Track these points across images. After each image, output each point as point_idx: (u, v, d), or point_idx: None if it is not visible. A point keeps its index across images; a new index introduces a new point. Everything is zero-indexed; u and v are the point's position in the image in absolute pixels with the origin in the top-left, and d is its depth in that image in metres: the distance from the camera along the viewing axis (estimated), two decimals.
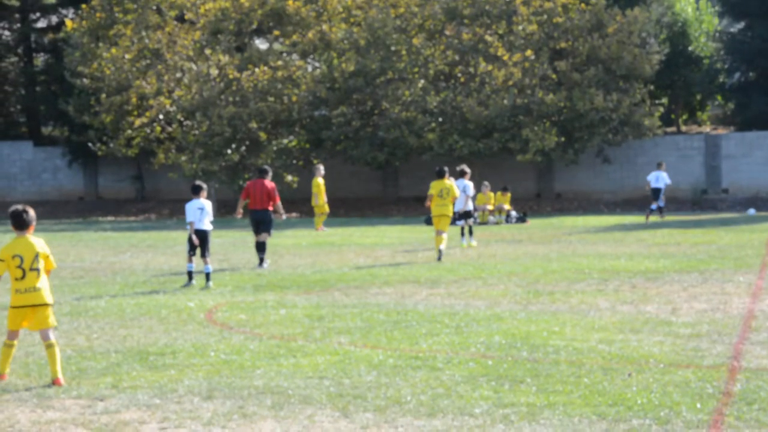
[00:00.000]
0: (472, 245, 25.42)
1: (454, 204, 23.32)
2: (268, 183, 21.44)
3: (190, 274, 17.88)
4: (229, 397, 8.90)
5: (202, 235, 17.96)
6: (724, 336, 11.43)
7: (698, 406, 8.18)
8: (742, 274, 17.65)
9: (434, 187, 22.96)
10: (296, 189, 45.05)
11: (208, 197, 44.99)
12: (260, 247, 21.06)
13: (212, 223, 18.36)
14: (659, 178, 35.78)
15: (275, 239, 29.16)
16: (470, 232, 25.97)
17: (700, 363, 9.94)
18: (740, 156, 44.72)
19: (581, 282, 17.01)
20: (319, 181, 33.93)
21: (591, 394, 8.67)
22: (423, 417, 8.06)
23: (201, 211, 18.05)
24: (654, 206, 35.56)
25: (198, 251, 17.93)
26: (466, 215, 26.07)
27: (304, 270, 20.11)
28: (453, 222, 24.23)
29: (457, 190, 23.30)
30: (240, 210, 22.26)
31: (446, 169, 23.29)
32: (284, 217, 21.87)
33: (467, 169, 26.61)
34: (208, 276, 17.65)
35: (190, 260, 17.97)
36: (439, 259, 21.76)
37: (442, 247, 22.13)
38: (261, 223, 21.26)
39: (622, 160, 46.07)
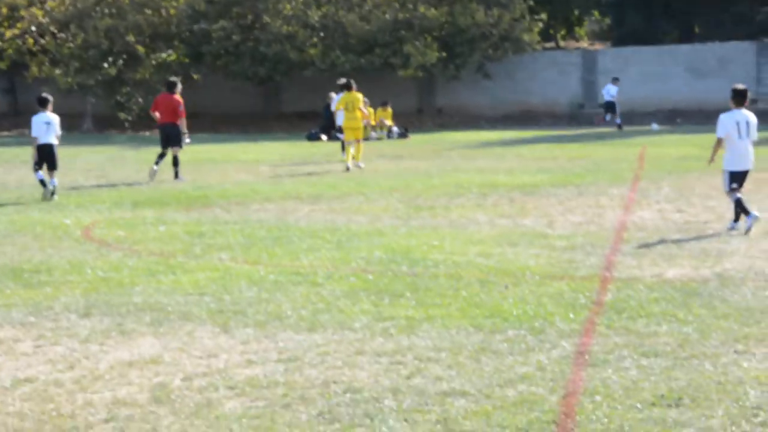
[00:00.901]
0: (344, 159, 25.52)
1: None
2: (176, 98, 21.52)
3: (42, 181, 18.02)
4: (107, 314, 8.81)
5: (48, 150, 18.11)
6: (598, 248, 11.74)
7: (571, 316, 8.41)
8: (615, 188, 18.10)
9: (342, 100, 23.97)
10: None
11: (84, 112, 43.90)
12: (174, 162, 21.28)
13: (61, 138, 18.44)
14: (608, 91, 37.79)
15: (154, 155, 28.70)
16: (342, 148, 25.95)
17: (574, 274, 10.20)
18: (616, 71, 45.41)
19: (461, 197, 17.22)
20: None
21: (468, 306, 8.83)
22: (303, 331, 8.11)
23: (48, 125, 18.19)
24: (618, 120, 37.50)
25: (45, 165, 18.07)
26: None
27: (184, 186, 19.88)
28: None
29: (362, 100, 24.25)
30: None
31: (352, 81, 24.21)
32: (187, 138, 21.65)
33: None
34: (53, 190, 17.71)
35: (36, 171, 18.23)
36: (358, 166, 22.91)
37: (350, 163, 23.01)
38: (169, 137, 21.40)
39: (502, 76, 46.45)
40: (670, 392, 6.41)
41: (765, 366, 6.95)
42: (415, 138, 36.25)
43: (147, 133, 42.79)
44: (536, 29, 45.21)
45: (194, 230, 13.73)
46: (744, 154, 13.08)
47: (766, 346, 7.44)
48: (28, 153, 30.22)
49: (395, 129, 37.16)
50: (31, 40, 43.71)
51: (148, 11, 43.36)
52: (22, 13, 43.18)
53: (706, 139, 29.96)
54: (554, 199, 16.58)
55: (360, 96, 24.17)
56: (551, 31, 53.61)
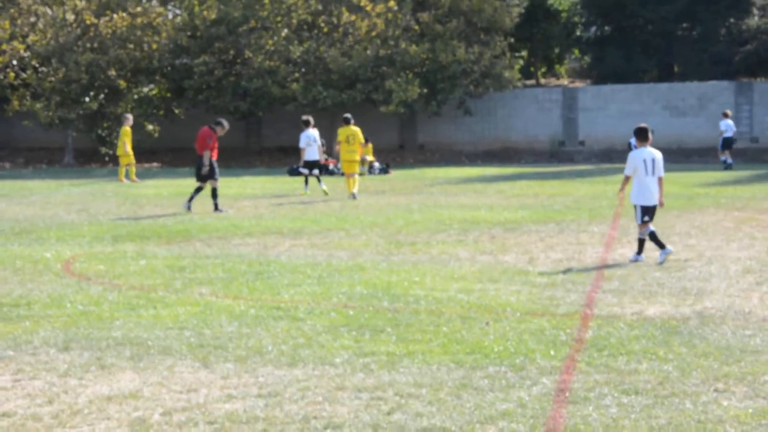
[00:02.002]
0: (307, 193, 26.21)
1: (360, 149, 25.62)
2: (205, 129, 22.05)
3: None
4: (87, 348, 8.76)
5: None
6: (578, 285, 11.77)
7: (552, 353, 8.42)
8: (596, 225, 18.17)
9: (342, 133, 25.14)
10: (157, 138, 44.30)
11: (65, 145, 43.91)
12: (212, 194, 21.74)
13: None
14: (729, 127, 36.24)
15: (135, 189, 28.67)
16: (318, 180, 26.40)
17: (555, 311, 10.22)
18: (596, 109, 45.82)
19: (442, 232, 17.25)
20: (128, 129, 32.91)
21: (449, 342, 8.83)
22: (284, 366, 8.09)
23: None
24: (726, 159, 36.08)
25: None
26: (314, 165, 26.70)
27: (165, 220, 19.84)
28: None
29: (361, 135, 25.46)
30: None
31: (350, 116, 25.38)
32: (206, 167, 21.78)
33: (311, 119, 27.54)
34: None
35: None
36: (354, 197, 23.95)
37: (355, 190, 24.31)
38: (197, 169, 21.90)
39: (483, 113, 46.67)
40: (650, 430, 6.42)
41: (745, 405, 6.97)
42: (396, 174, 36.33)
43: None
44: (517, 66, 45.52)
45: (175, 264, 13.70)
46: (651, 189, 13.85)
47: (746, 385, 7.46)
48: (9, 187, 30.26)
49: (376, 164, 37.23)
50: (12, 74, 43.67)
51: (130, 46, 43.42)
52: (4, 47, 43.14)
53: (686, 177, 30.23)
54: (535, 236, 16.63)
55: (359, 130, 25.41)
56: (532, 69, 53.95)
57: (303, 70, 43.25)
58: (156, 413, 6.90)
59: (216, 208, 21.54)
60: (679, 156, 42.16)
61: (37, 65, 43.96)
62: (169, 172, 39.58)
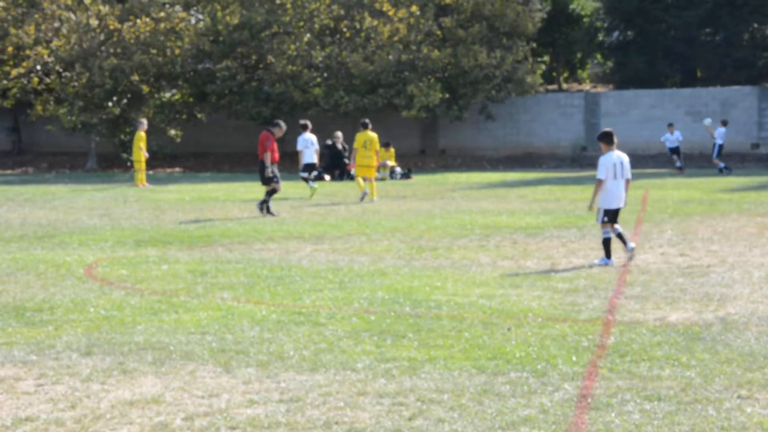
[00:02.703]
0: (314, 189, 27.04)
1: (377, 154, 25.91)
2: (262, 134, 22.14)
3: None
4: (109, 353, 8.79)
5: None
6: (600, 290, 11.73)
7: (574, 358, 8.39)
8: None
9: (359, 138, 25.47)
10: (179, 143, 44.47)
11: (88, 150, 44.17)
12: (267, 193, 21.93)
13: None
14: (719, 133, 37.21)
15: (157, 194, 28.78)
16: (306, 181, 27.52)
17: (577, 317, 10.18)
18: (618, 114, 45.66)
19: (464, 238, 17.22)
20: (142, 134, 33.03)
21: (471, 348, 8.81)
22: (305, 372, 8.09)
23: None
24: (722, 165, 37.07)
25: None
26: (311, 167, 27.65)
27: (187, 225, 19.90)
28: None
29: (378, 142, 25.83)
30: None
31: (367, 121, 25.64)
32: (269, 169, 21.89)
33: (309, 123, 28.60)
34: None
35: None
36: (363, 199, 24.63)
37: (366, 191, 24.98)
38: (261, 173, 21.98)
39: (505, 118, 46.63)
40: None
41: None
42: (418, 179, 36.32)
43: (150, 172, 42.92)
44: (539, 71, 45.43)
45: (197, 269, 13.74)
46: (617, 193, 14.19)
47: None
48: (32, 192, 30.44)
49: (398, 169, 37.23)
50: (36, 79, 43.94)
51: (153, 51, 43.60)
52: (28, 52, 43.41)
53: (708, 183, 30.08)
54: (557, 241, 16.59)
55: (376, 136, 25.75)
56: (554, 74, 53.86)
57: (325, 75, 43.33)
58: (178, 418, 6.91)
59: (265, 208, 21.50)
60: (701, 161, 41.96)
61: (60, 70, 44.22)
62: (191, 177, 39.70)
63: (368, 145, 25.29)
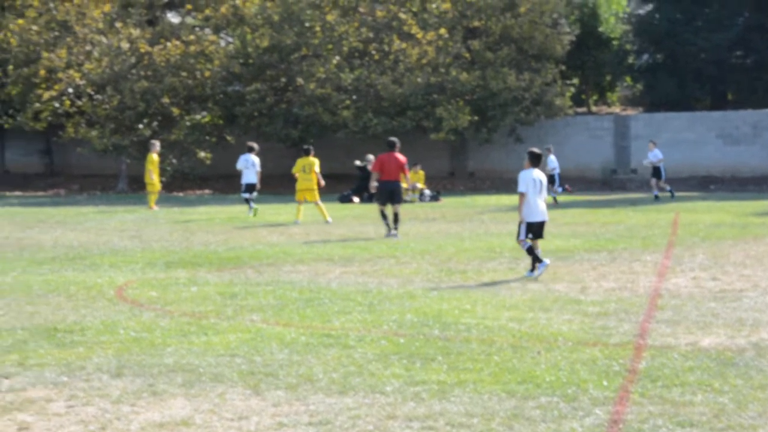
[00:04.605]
0: (254, 214, 28.49)
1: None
2: (400, 156, 22.52)
3: None
4: (139, 374, 8.81)
5: None
6: (631, 314, 11.65)
7: (605, 383, 8.32)
8: (649, 254, 17.99)
9: (298, 164, 26.63)
10: (209, 165, 44.68)
11: (119, 172, 44.43)
12: (395, 218, 22.13)
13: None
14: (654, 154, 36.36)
15: (187, 216, 28.92)
16: (247, 202, 29.32)
17: (608, 341, 10.11)
18: (648, 136, 45.41)
19: (493, 260, 17.17)
20: (154, 157, 33.08)
21: (501, 371, 8.77)
22: (334, 395, 8.08)
23: None
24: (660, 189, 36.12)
25: None
26: (251, 188, 29.42)
27: (216, 247, 19.97)
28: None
29: (317, 166, 26.76)
30: (374, 183, 23.03)
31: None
32: (409, 187, 22.59)
33: (255, 146, 30.36)
34: None
35: None
36: (296, 223, 25.30)
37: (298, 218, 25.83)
38: (393, 194, 22.24)
39: (534, 140, 46.40)
40: None
41: None
42: (446, 201, 36.29)
43: (180, 194, 43.15)
44: (568, 94, 45.39)
45: (226, 291, 13.77)
46: (537, 207, 15.17)
47: None
48: (64, 213, 30.67)
49: (427, 192, 37.23)
50: (67, 102, 44.32)
51: (184, 73, 43.91)
52: (60, 75, 43.82)
53: (740, 207, 29.87)
54: (587, 265, 16.51)
55: (316, 160, 26.88)
56: (583, 96, 53.77)
57: (354, 97, 43.45)
58: None
59: (393, 231, 21.88)
60: (734, 184, 41.71)
61: (92, 93, 44.59)
62: (220, 198, 39.88)
63: (307, 169, 26.27)
